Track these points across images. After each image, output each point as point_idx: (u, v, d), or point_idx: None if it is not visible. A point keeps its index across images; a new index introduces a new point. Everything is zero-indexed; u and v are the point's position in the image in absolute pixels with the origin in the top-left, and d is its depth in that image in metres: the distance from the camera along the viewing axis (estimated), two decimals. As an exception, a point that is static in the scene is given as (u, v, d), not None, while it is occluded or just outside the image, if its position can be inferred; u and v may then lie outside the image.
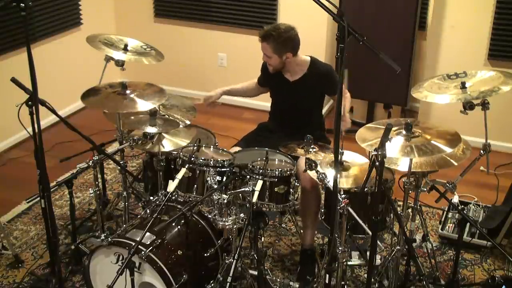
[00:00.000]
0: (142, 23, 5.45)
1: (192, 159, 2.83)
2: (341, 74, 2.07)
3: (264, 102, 3.61)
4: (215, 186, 2.77)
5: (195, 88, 5.26)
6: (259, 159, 2.85)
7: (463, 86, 2.68)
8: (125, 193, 3.19)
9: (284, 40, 3.13)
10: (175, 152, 3.05)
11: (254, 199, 2.65)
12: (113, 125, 3.19)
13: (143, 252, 2.54)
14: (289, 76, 3.30)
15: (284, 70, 3.30)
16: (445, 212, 3.61)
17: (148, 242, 2.63)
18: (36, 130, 2.47)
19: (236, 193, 2.77)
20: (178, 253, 2.69)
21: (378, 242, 3.07)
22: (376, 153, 2.15)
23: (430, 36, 4.64)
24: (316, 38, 4.74)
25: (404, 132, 2.53)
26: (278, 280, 2.97)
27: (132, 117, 3.04)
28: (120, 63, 3.30)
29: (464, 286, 3.16)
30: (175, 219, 2.77)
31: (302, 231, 3.25)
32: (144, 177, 3.45)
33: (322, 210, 3.02)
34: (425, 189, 2.79)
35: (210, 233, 2.89)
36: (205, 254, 2.78)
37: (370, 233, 2.44)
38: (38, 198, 2.69)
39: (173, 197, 2.87)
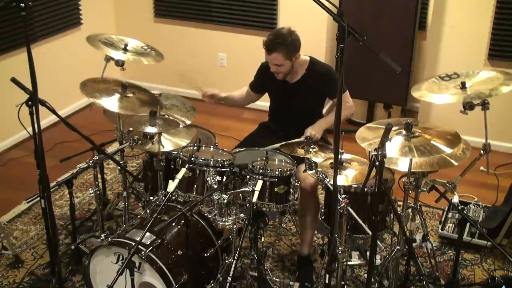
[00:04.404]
0: (142, 23, 5.45)
1: (192, 159, 2.83)
2: (341, 74, 2.07)
3: (264, 102, 3.60)
4: (215, 186, 2.77)
5: (195, 88, 5.27)
6: (259, 159, 2.85)
7: (463, 86, 2.68)
8: (125, 193, 3.19)
9: (292, 43, 3.09)
10: (175, 152, 3.05)
11: (254, 199, 2.64)
12: (113, 125, 3.18)
13: (143, 252, 2.54)
14: (288, 77, 3.25)
15: None
16: (445, 212, 3.61)
17: (148, 242, 2.62)
18: (36, 130, 2.47)
19: (236, 193, 2.77)
20: (178, 253, 2.69)
21: (378, 242, 3.06)
22: (376, 153, 2.15)
23: (430, 36, 4.64)
24: (316, 38, 4.74)
25: (404, 132, 2.53)
26: (278, 280, 2.98)
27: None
28: (120, 63, 3.30)
29: (464, 286, 3.15)
30: (175, 219, 2.77)
31: (300, 235, 3.24)
32: (144, 177, 3.45)
33: (322, 210, 3.03)
34: (425, 189, 2.79)
35: (210, 233, 2.89)
36: (205, 254, 2.78)
37: (370, 233, 2.44)
38: (38, 198, 2.70)
39: (173, 197, 2.87)
